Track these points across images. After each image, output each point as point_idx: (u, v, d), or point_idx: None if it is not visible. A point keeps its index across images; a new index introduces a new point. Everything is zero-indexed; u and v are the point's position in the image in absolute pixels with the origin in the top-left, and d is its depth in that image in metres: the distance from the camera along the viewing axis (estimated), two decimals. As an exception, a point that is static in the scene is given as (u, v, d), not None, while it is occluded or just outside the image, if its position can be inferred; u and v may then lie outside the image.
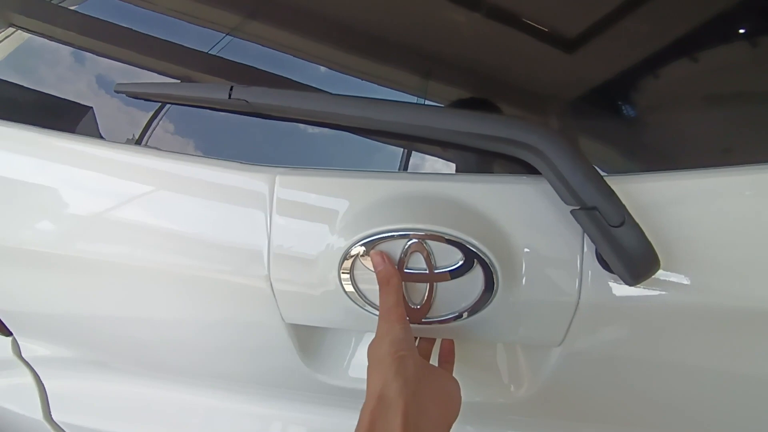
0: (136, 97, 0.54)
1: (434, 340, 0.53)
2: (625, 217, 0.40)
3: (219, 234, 0.50)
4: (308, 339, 0.57)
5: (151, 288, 0.55)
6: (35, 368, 0.72)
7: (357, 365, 0.59)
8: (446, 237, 0.44)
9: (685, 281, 0.44)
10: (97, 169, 0.54)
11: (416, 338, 0.53)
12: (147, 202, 0.52)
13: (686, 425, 0.53)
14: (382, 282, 0.46)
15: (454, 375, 0.49)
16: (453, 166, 0.48)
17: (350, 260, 0.46)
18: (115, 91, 0.54)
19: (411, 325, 0.47)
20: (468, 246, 0.43)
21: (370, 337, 0.55)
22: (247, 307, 0.53)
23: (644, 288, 0.43)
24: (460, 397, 0.45)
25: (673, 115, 0.46)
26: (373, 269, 0.46)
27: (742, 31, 0.46)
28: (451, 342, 0.53)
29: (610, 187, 0.40)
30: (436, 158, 0.49)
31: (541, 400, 0.53)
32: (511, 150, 0.43)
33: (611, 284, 0.44)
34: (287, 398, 0.62)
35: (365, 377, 0.43)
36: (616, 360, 0.49)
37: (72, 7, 0.61)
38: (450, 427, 0.43)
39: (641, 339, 0.47)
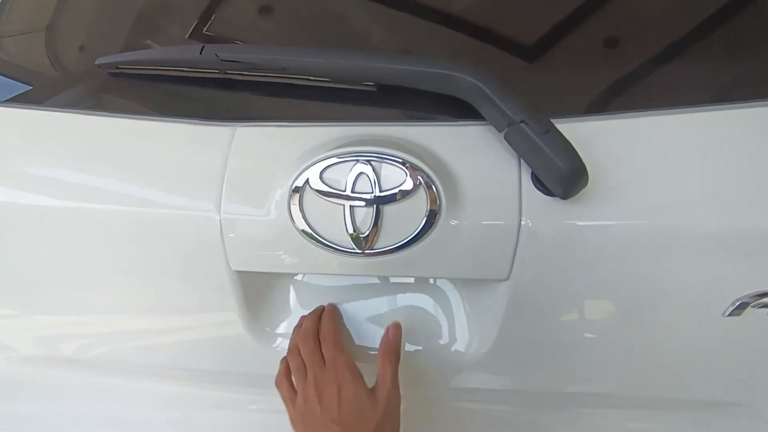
0: (117, 69, 0.59)
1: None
2: (549, 126, 0.44)
3: (175, 180, 0.52)
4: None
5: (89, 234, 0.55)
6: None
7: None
8: (390, 157, 0.47)
9: (617, 203, 0.46)
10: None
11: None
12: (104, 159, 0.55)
13: (643, 358, 0.51)
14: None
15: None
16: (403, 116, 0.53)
17: (299, 191, 0.48)
18: (98, 66, 0.60)
19: (360, 259, 0.48)
20: (412, 166, 0.46)
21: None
22: (193, 252, 0.52)
23: (578, 205, 0.46)
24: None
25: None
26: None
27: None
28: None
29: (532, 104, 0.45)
30: (387, 110, 0.54)
31: (495, 356, 0.51)
32: (447, 87, 0.48)
33: (549, 206, 0.46)
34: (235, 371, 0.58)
35: None
36: (567, 295, 0.49)
37: None
38: None
39: (587, 266, 0.47)
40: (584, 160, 0.44)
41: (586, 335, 0.52)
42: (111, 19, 0.66)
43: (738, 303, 0.48)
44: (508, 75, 0.54)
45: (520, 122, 0.45)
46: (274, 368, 0.55)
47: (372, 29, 0.61)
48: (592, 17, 0.55)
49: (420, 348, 0.55)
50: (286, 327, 0.57)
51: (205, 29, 0.62)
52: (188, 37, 0.62)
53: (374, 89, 0.53)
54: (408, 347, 0.55)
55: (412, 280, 0.56)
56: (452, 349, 0.54)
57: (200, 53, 0.54)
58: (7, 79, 0.67)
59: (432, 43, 0.58)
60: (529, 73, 0.54)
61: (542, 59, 0.54)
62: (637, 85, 0.50)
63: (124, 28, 0.65)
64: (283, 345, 0.56)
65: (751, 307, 0.47)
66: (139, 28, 0.64)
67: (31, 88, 0.64)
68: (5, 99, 0.63)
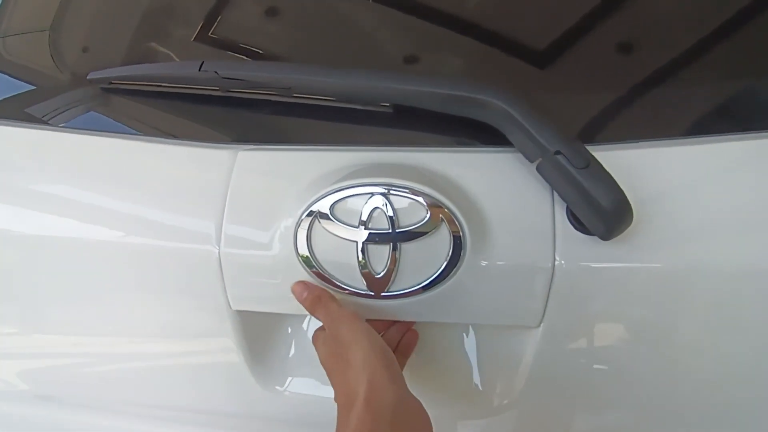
0: (110, 85, 0.55)
1: (400, 333, 0.48)
2: (590, 159, 0.39)
3: (168, 211, 0.48)
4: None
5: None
6: None
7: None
8: (409, 190, 0.42)
9: (664, 244, 0.41)
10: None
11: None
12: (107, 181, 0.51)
13: (687, 408, 0.46)
14: (314, 303, 0.43)
15: (411, 383, 0.42)
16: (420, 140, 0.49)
17: (308, 221, 0.43)
18: (89, 80, 0.55)
19: (374, 302, 0.44)
20: (433, 200, 0.41)
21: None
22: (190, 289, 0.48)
23: (621, 246, 0.41)
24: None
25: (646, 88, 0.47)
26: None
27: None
28: (415, 335, 0.48)
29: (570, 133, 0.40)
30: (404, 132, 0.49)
31: (522, 405, 0.47)
32: (473, 111, 0.44)
33: (587, 245, 0.41)
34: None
35: None
36: (604, 344, 0.44)
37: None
38: None
39: (627, 310, 0.43)
40: (627, 195, 0.39)
41: (621, 388, 0.47)
42: (114, 20, 0.62)
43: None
44: (529, 87, 0.49)
45: (556, 153, 0.40)
46: (280, 412, 0.50)
47: (381, 33, 0.57)
48: (630, 23, 0.50)
49: (435, 393, 0.50)
50: (292, 370, 0.52)
51: (210, 32, 0.58)
52: (193, 39, 0.57)
53: (390, 110, 0.49)
54: (421, 390, 0.51)
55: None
56: (473, 395, 0.49)
57: (199, 70, 0.49)
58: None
59: (446, 49, 0.53)
60: (556, 91, 0.49)
61: (570, 76, 0.49)
62: (687, 106, 0.46)
63: (128, 30, 0.61)
64: (289, 388, 0.51)
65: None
66: (143, 30, 0.60)
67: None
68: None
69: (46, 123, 0.56)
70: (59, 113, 0.59)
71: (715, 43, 0.48)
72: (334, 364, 0.41)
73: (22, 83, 0.63)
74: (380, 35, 0.57)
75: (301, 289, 0.44)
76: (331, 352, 0.42)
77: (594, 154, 0.40)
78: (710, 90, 0.47)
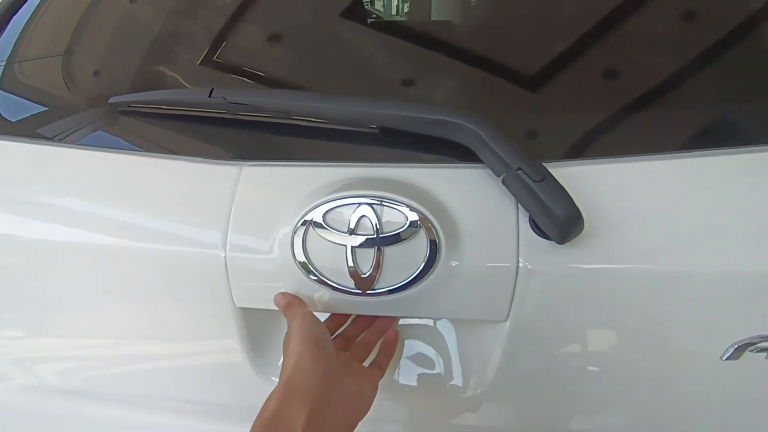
0: (128, 108, 0.62)
1: (380, 333, 0.54)
2: (545, 174, 0.46)
3: (182, 217, 0.54)
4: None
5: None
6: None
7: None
8: (392, 201, 0.48)
9: (612, 247, 0.47)
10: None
11: (363, 332, 0.54)
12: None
13: (643, 397, 0.51)
14: (285, 307, 0.50)
15: (388, 376, 0.50)
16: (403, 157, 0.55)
17: (303, 228, 0.49)
18: (110, 104, 0.62)
19: (361, 298, 0.49)
20: (412, 210, 0.47)
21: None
22: (198, 289, 0.54)
23: (574, 249, 0.46)
24: (372, 399, 0.47)
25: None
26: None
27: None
28: (396, 333, 0.53)
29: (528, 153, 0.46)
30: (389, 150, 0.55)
31: (493, 395, 0.52)
32: (447, 132, 0.50)
33: (546, 249, 0.47)
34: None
35: None
36: (564, 336, 0.50)
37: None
38: (355, 426, 0.45)
39: (582, 306, 0.48)
40: (580, 205, 0.45)
41: (581, 378, 0.52)
42: (124, 46, 0.69)
43: (736, 347, 0.49)
44: (507, 110, 0.56)
45: (517, 169, 0.46)
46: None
47: (377, 58, 0.63)
48: (592, 53, 0.57)
49: (415, 385, 0.55)
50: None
51: (215, 56, 0.65)
52: (199, 63, 0.64)
53: (377, 131, 0.55)
54: (403, 384, 0.56)
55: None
56: (448, 387, 0.55)
57: (209, 96, 0.56)
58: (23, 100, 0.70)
59: (437, 73, 0.60)
60: (526, 111, 0.56)
61: (539, 96, 0.56)
62: (633, 127, 0.52)
63: (137, 55, 0.67)
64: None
65: (749, 351, 0.48)
66: (151, 56, 0.67)
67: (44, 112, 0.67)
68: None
69: (67, 142, 0.63)
70: (77, 131, 0.65)
71: (675, 69, 0.55)
72: (283, 355, 0.48)
73: (37, 105, 0.69)
74: (378, 60, 0.63)
75: (279, 298, 0.51)
76: (284, 344, 0.49)
77: (551, 170, 0.46)
78: (665, 111, 0.54)
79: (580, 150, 0.51)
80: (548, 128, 0.54)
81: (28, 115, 0.68)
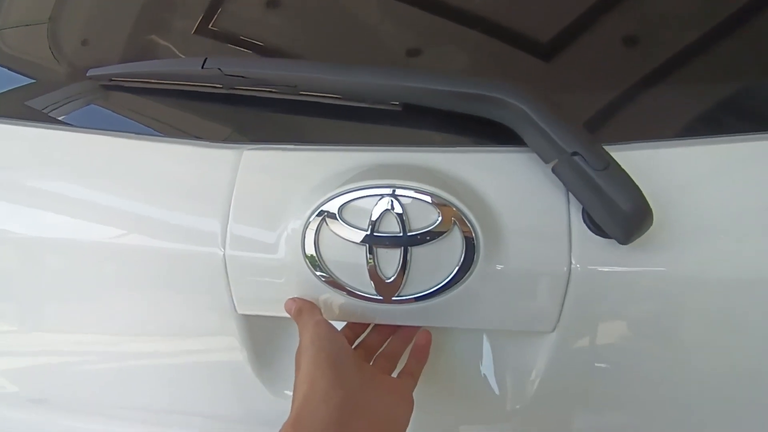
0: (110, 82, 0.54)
1: (406, 340, 0.47)
2: (609, 161, 0.38)
3: (172, 211, 0.47)
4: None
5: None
6: None
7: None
8: (420, 192, 0.40)
9: (685, 248, 0.40)
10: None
11: (387, 340, 0.48)
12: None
13: (702, 412, 0.45)
14: (296, 314, 0.43)
15: (421, 388, 0.43)
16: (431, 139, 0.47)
17: (314, 228, 0.42)
18: (88, 78, 0.54)
19: (384, 306, 0.42)
20: (444, 202, 0.40)
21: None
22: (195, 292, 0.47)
23: (640, 250, 0.39)
24: (408, 416, 0.40)
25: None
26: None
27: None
28: (428, 336, 0.46)
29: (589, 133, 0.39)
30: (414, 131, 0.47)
31: (535, 411, 0.46)
32: (486, 110, 0.42)
33: (604, 248, 0.40)
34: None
35: None
36: (622, 351, 0.43)
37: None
38: None
39: (644, 316, 0.41)
40: (648, 197, 0.38)
41: (635, 392, 0.46)
42: (113, 13, 0.60)
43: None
44: (536, 83, 0.48)
45: (573, 154, 0.39)
46: (285, 415, 0.50)
47: (384, 25, 0.55)
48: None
49: (450, 398, 0.49)
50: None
51: (210, 24, 0.57)
52: (194, 32, 0.56)
53: (399, 108, 0.47)
54: (437, 395, 0.50)
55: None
56: (485, 400, 0.48)
57: (202, 67, 0.48)
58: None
59: (450, 41, 0.51)
60: (566, 87, 0.48)
61: (580, 72, 0.48)
62: (707, 104, 0.44)
63: (127, 23, 0.59)
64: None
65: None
66: (142, 23, 0.58)
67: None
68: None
69: (47, 118, 0.55)
70: (59, 108, 0.57)
71: (729, 38, 0.47)
72: (295, 374, 0.41)
73: (22, 77, 0.62)
74: (383, 27, 0.55)
75: (290, 304, 0.45)
76: (296, 360, 0.42)
77: (612, 154, 0.39)
78: (728, 88, 0.46)
79: (644, 129, 0.43)
80: (602, 105, 0.46)
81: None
